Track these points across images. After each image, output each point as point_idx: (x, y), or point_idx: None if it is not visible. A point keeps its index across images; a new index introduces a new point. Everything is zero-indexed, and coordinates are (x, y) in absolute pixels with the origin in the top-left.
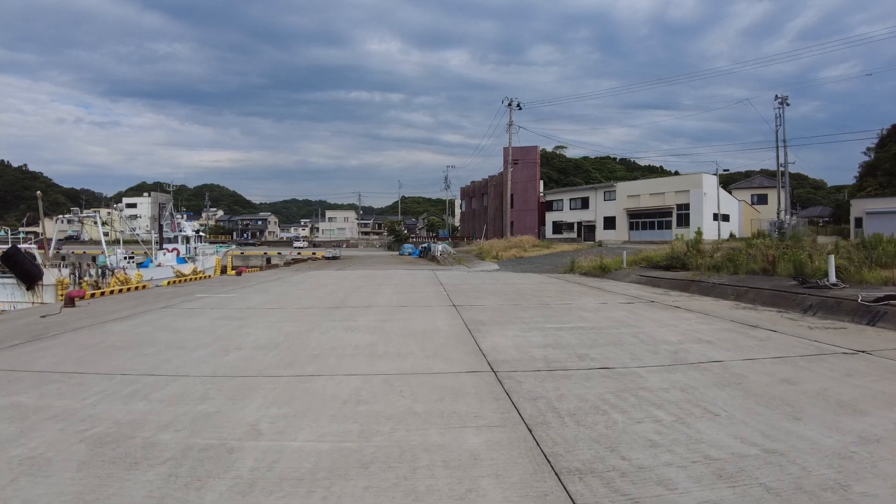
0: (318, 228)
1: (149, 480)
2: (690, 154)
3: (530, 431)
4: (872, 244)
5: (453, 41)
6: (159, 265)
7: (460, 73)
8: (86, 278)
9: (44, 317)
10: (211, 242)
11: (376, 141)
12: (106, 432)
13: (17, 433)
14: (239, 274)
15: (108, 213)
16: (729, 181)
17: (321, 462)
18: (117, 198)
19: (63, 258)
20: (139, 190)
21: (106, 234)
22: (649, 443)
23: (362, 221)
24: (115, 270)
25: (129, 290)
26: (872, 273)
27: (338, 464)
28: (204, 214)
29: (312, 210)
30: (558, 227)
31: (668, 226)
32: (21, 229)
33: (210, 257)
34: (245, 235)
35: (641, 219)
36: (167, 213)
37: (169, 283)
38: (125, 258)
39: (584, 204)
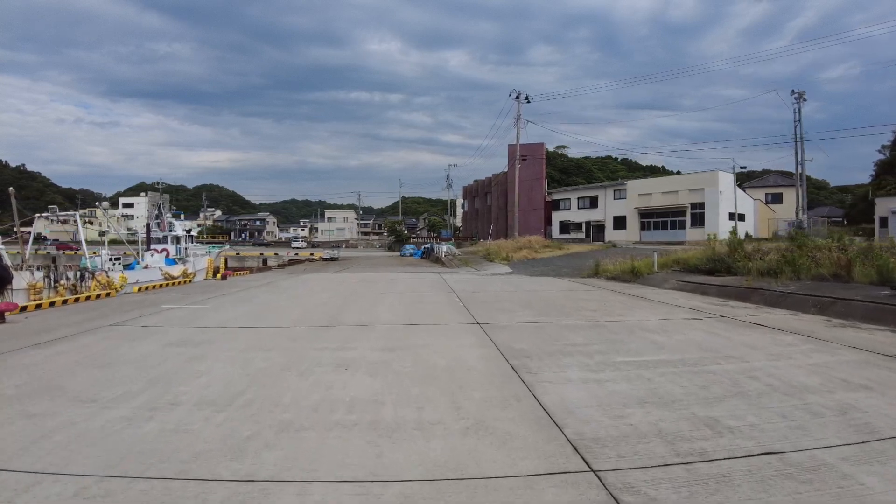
0: (317, 229)
1: None
2: (691, 152)
3: None
4: None
5: (453, 41)
6: (146, 267)
7: (460, 73)
8: (62, 282)
9: None
10: (207, 243)
11: (376, 141)
12: None
13: None
14: (224, 278)
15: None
16: (741, 180)
17: None
18: (115, 198)
19: (54, 260)
20: (138, 190)
21: (102, 235)
22: None
23: (362, 221)
24: (96, 273)
25: (87, 298)
26: None
27: None
28: (202, 214)
29: (312, 210)
30: (565, 226)
31: (682, 226)
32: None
33: (202, 258)
34: (243, 236)
35: (653, 218)
36: (156, 212)
37: (140, 289)
38: (111, 259)
39: (593, 203)
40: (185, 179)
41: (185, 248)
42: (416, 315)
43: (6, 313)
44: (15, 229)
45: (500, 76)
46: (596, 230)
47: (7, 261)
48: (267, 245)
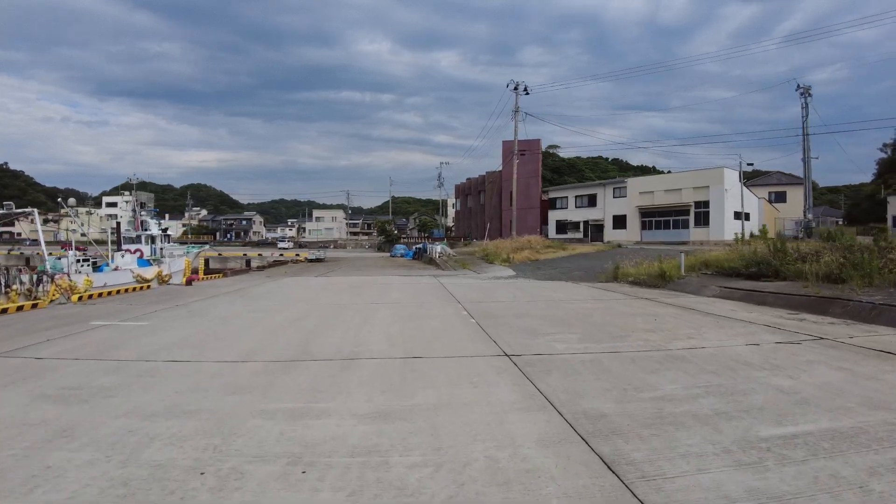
0: (304, 229)
1: None
2: (683, 153)
3: None
4: None
5: (444, 42)
6: (116, 269)
7: (451, 73)
8: (14, 287)
9: None
10: (187, 242)
11: (366, 141)
12: None
13: None
14: (189, 283)
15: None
16: (743, 179)
17: None
18: (100, 198)
19: (27, 261)
20: (125, 189)
21: (83, 235)
22: None
23: (351, 221)
24: (56, 276)
25: (5, 311)
26: None
27: None
28: (187, 214)
29: (301, 210)
30: (562, 226)
31: (685, 225)
32: None
33: (179, 259)
34: (228, 236)
35: (655, 217)
36: (131, 210)
37: (93, 295)
38: (79, 261)
39: (592, 201)
40: (173, 179)
41: (161, 249)
42: (418, 340)
43: None
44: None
45: (492, 77)
46: (594, 230)
47: None
48: (253, 245)
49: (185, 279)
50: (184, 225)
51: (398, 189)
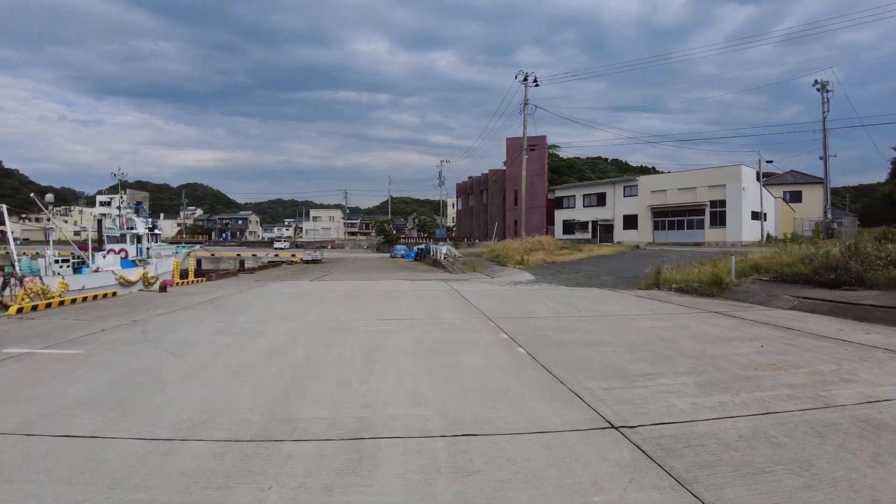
0: (301, 229)
1: None
2: (678, 153)
3: None
4: None
5: (441, 42)
6: (97, 270)
7: (448, 74)
8: None
9: None
10: (186, 242)
11: (363, 141)
12: None
13: None
14: (164, 289)
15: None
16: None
17: None
18: (92, 197)
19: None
20: (124, 189)
21: (77, 234)
22: None
23: (349, 221)
24: (26, 279)
25: None
26: None
27: None
28: (182, 213)
29: (298, 210)
30: (569, 226)
31: (700, 225)
32: None
33: (166, 260)
34: (224, 235)
35: (668, 217)
36: (115, 207)
37: (18, 309)
38: (57, 262)
39: (601, 200)
40: (169, 179)
41: (148, 249)
42: (457, 394)
43: None
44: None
45: (488, 77)
46: (604, 230)
47: None
48: (249, 245)
49: (160, 286)
50: (179, 224)
51: (395, 189)
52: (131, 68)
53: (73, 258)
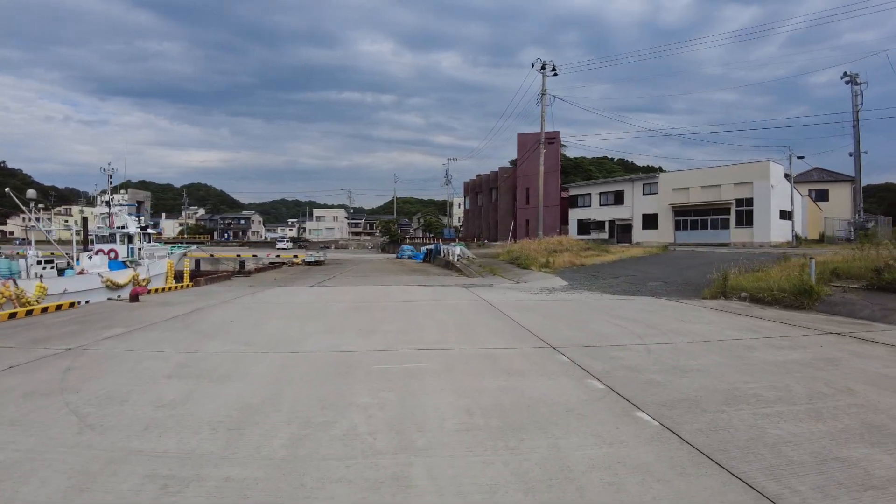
0: (305, 229)
1: None
2: (684, 154)
3: None
4: None
5: (445, 43)
6: (81, 272)
7: (452, 74)
8: None
9: None
10: (184, 242)
11: (367, 142)
12: None
13: None
14: (135, 298)
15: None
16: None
17: None
18: (93, 197)
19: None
20: (123, 188)
21: (78, 234)
22: None
23: (353, 221)
24: None
25: None
26: None
27: None
28: (184, 213)
29: (301, 210)
30: (584, 226)
31: (725, 225)
32: None
33: (160, 261)
34: (226, 235)
35: (690, 216)
36: (103, 204)
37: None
38: (40, 262)
39: (618, 199)
40: (173, 179)
41: (139, 249)
42: None
43: None
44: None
45: (492, 77)
46: (621, 230)
47: None
48: (251, 245)
49: (130, 294)
50: (181, 224)
51: (399, 190)
52: (135, 68)
53: (60, 258)
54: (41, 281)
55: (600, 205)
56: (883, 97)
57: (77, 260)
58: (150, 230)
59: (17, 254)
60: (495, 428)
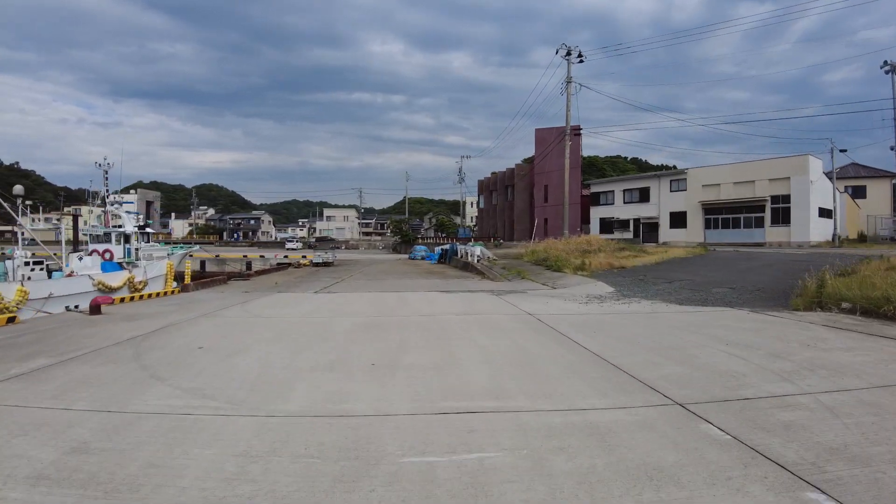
0: (315, 229)
1: None
2: (697, 152)
3: None
4: None
5: (456, 43)
6: (70, 275)
7: (462, 74)
8: None
9: None
10: (186, 243)
11: (377, 142)
12: None
13: None
14: (96, 310)
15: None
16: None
17: None
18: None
19: None
20: (134, 189)
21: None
22: None
23: (363, 221)
24: None
25: None
26: None
27: None
28: (193, 213)
29: (312, 211)
30: (607, 224)
31: (760, 223)
32: None
33: (158, 263)
34: (236, 235)
35: (722, 214)
36: (98, 202)
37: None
38: (28, 263)
39: (644, 196)
40: (186, 180)
41: (137, 250)
42: None
43: None
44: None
45: (503, 78)
46: (647, 229)
47: None
48: (260, 246)
49: (90, 306)
50: (190, 224)
51: (410, 190)
52: (148, 70)
53: (49, 259)
54: (22, 284)
55: (624, 202)
56: None
57: (66, 261)
58: (148, 229)
59: (3, 254)
60: None
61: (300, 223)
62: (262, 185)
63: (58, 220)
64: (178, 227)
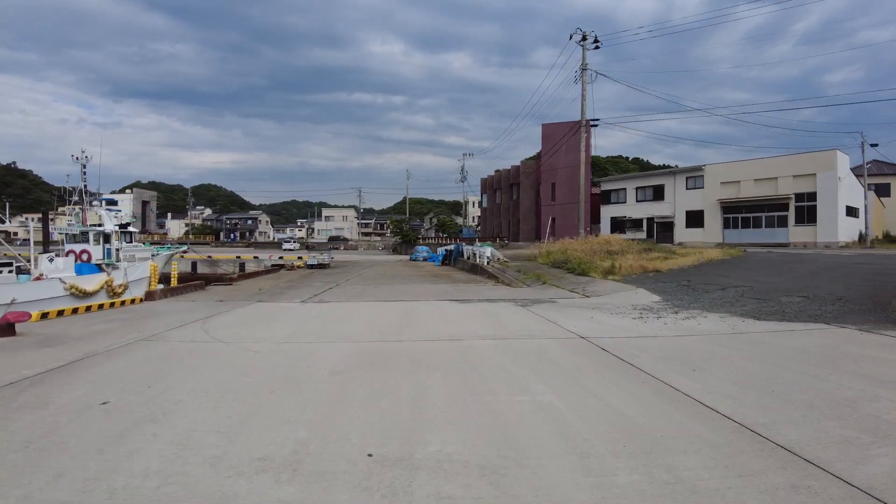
0: (313, 229)
1: None
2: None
3: None
4: None
5: (456, 43)
6: (39, 278)
7: (462, 75)
8: None
9: None
10: (181, 243)
11: (378, 143)
12: None
13: None
14: (6, 330)
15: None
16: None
17: None
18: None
19: None
20: (131, 188)
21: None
22: None
23: (363, 221)
24: None
25: None
26: None
27: None
28: (189, 213)
29: (311, 211)
30: (619, 224)
31: (783, 222)
32: None
33: (141, 264)
34: (233, 236)
35: (742, 213)
36: (75, 198)
37: None
38: None
39: (658, 194)
40: (185, 180)
41: (118, 250)
42: None
43: None
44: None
45: (503, 78)
46: (661, 229)
47: None
48: (257, 246)
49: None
50: (186, 224)
51: (410, 190)
52: (149, 71)
53: (14, 259)
54: None
55: (637, 201)
56: None
57: (35, 263)
58: (132, 228)
59: None
60: None
61: (298, 223)
62: (262, 186)
63: (52, 219)
64: (175, 228)
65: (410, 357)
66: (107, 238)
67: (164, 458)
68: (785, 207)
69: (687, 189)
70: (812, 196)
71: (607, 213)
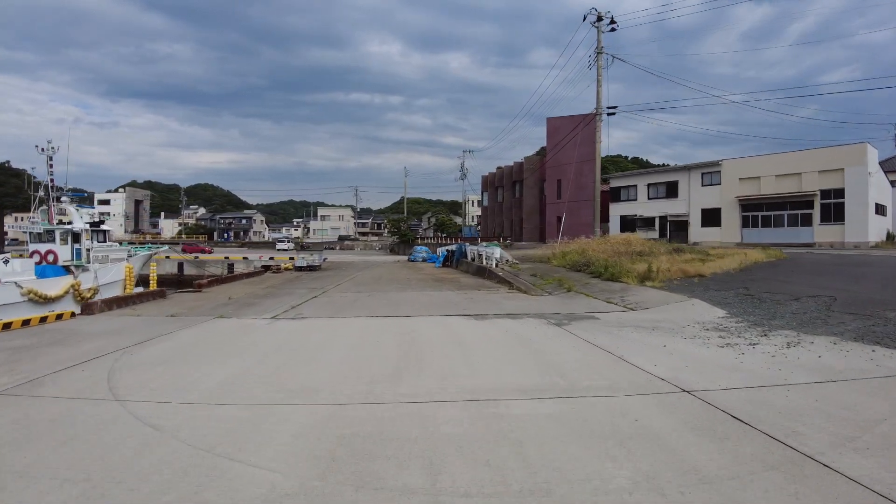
0: (309, 229)
1: None
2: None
3: None
4: None
5: (454, 44)
6: None
7: (460, 75)
8: None
9: None
10: (184, 243)
11: (376, 143)
12: None
13: None
14: None
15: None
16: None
17: None
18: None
19: None
20: (124, 188)
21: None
22: None
23: (359, 221)
24: None
25: None
26: None
27: None
28: (183, 212)
29: (307, 211)
30: (629, 223)
31: (807, 221)
32: None
33: (115, 266)
34: (227, 235)
35: (762, 211)
36: (40, 194)
37: None
38: None
39: (671, 191)
40: (182, 180)
41: (88, 251)
42: None
43: None
44: None
45: (501, 78)
46: (675, 227)
47: None
48: (251, 246)
49: None
50: (180, 224)
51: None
52: (146, 70)
53: None
54: None
55: (648, 198)
56: None
57: None
58: (105, 226)
59: None
60: None
61: (294, 223)
62: (260, 186)
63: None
64: (168, 227)
65: (419, 450)
66: (76, 237)
67: None
68: (810, 205)
69: (702, 185)
70: (839, 193)
71: (616, 211)
